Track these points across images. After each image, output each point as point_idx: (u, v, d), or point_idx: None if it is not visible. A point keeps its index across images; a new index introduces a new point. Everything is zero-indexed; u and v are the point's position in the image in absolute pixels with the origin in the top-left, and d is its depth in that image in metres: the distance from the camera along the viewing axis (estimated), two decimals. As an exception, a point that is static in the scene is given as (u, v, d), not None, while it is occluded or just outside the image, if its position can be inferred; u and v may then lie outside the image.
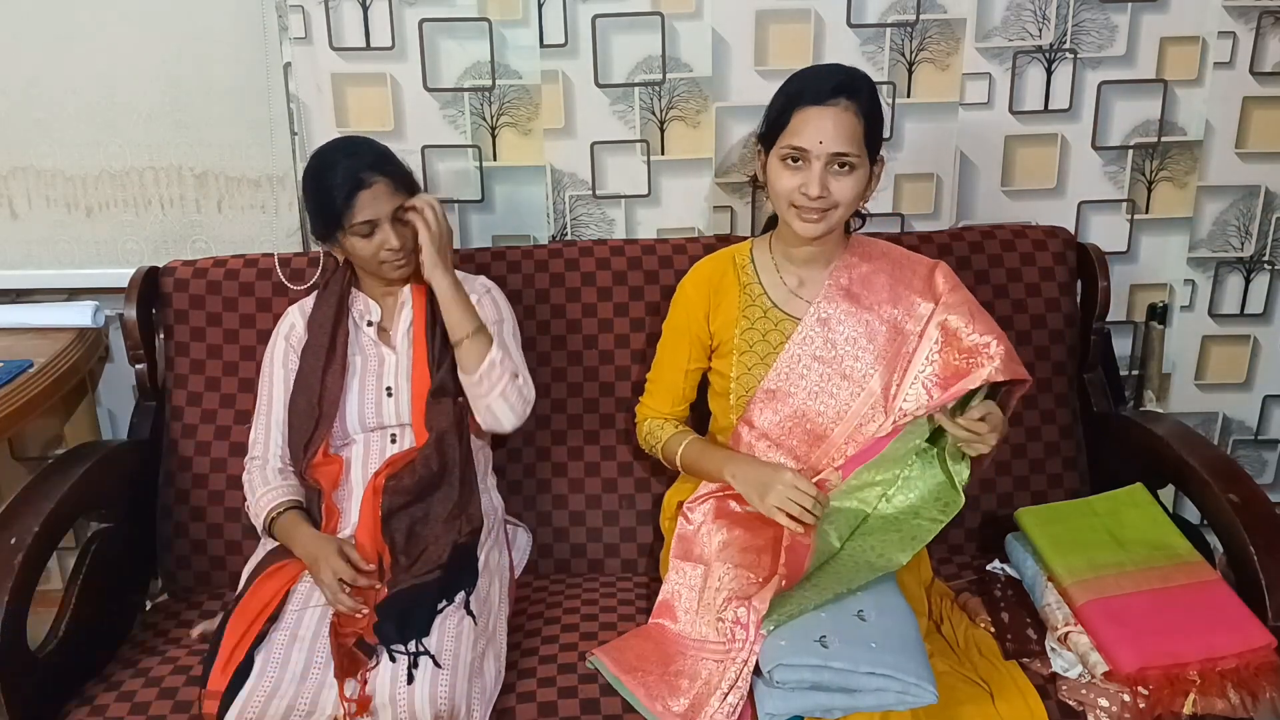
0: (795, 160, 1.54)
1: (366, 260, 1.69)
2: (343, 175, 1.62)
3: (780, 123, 1.56)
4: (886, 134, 2.03)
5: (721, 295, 1.68)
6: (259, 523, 1.70)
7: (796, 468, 1.61)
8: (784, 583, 1.46)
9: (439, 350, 1.72)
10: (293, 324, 1.79)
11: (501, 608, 1.67)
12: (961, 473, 1.56)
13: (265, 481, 1.71)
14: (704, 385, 1.79)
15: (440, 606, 1.54)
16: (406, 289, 1.77)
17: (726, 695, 1.41)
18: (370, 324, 1.76)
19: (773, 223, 1.72)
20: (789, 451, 1.64)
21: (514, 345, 1.77)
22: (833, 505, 1.58)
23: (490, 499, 1.79)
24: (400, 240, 1.66)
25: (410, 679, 1.44)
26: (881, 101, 1.58)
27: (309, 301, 1.81)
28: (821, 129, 1.51)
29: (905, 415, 1.54)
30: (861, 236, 1.70)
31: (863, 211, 1.70)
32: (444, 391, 1.70)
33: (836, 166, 1.52)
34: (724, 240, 1.99)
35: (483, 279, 1.85)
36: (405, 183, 1.69)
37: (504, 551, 1.77)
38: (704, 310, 1.69)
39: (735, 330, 1.66)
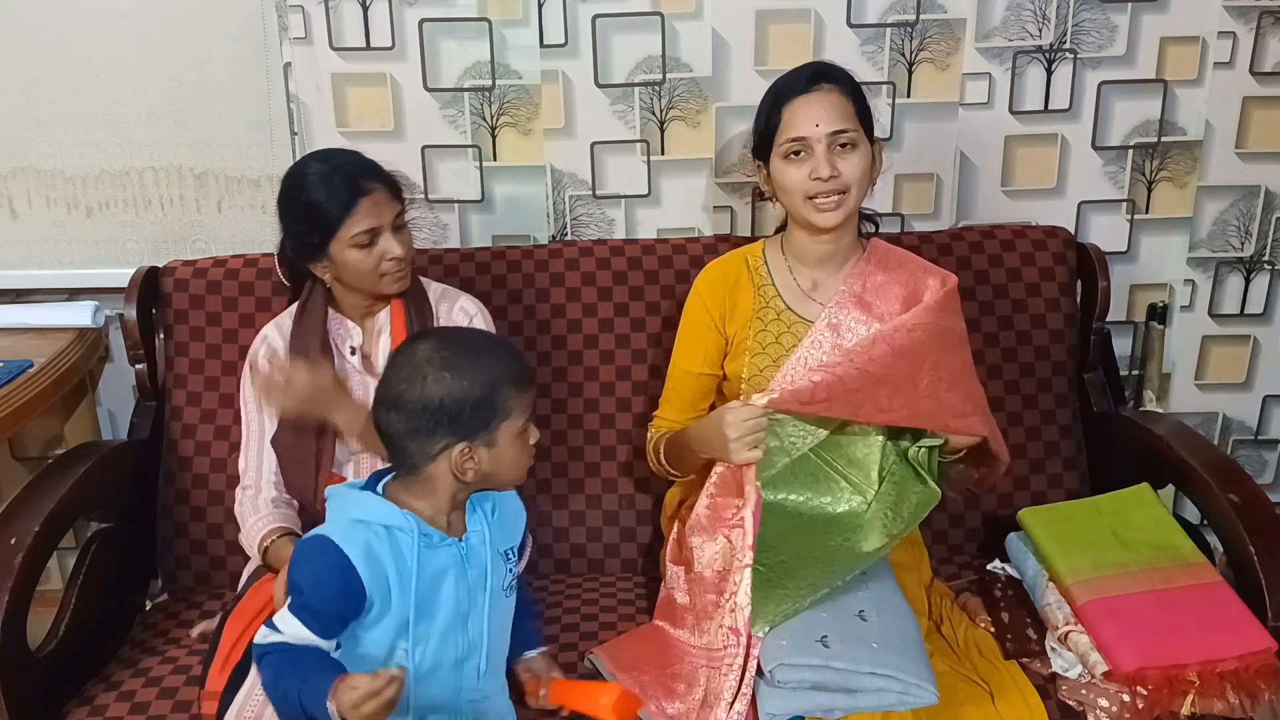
0: (798, 153, 1.55)
1: (364, 275, 1.60)
2: (340, 184, 1.56)
3: (772, 125, 1.58)
4: (886, 134, 2.04)
5: (737, 296, 1.68)
6: (252, 550, 1.63)
7: None
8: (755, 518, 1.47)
9: None
10: (275, 349, 1.68)
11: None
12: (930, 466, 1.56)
13: (256, 510, 1.64)
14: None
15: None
16: (385, 312, 1.68)
17: (732, 704, 1.40)
18: (354, 350, 1.68)
19: (783, 226, 1.72)
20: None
21: None
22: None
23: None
24: (403, 249, 1.60)
25: (411, 678, 1.43)
26: (862, 86, 1.60)
27: (285, 321, 1.71)
28: (813, 114, 1.54)
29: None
30: (880, 243, 1.69)
31: (873, 216, 1.72)
32: None
33: (839, 146, 1.54)
34: (724, 240, 1.99)
35: (465, 302, 1.74)
36: (400, 191, 1.63)
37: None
38: (720, 310, 1.68)
39: (749, 331, 1.66)
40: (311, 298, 1.69)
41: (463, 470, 1.27)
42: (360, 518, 1.26)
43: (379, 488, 1.31)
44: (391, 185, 1.61)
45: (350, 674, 1.18)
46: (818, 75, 1.56)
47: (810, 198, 1.55)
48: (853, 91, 1.57)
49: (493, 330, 1.74)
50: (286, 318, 1.72)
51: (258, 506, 1.65)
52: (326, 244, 1.58)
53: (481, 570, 1.32)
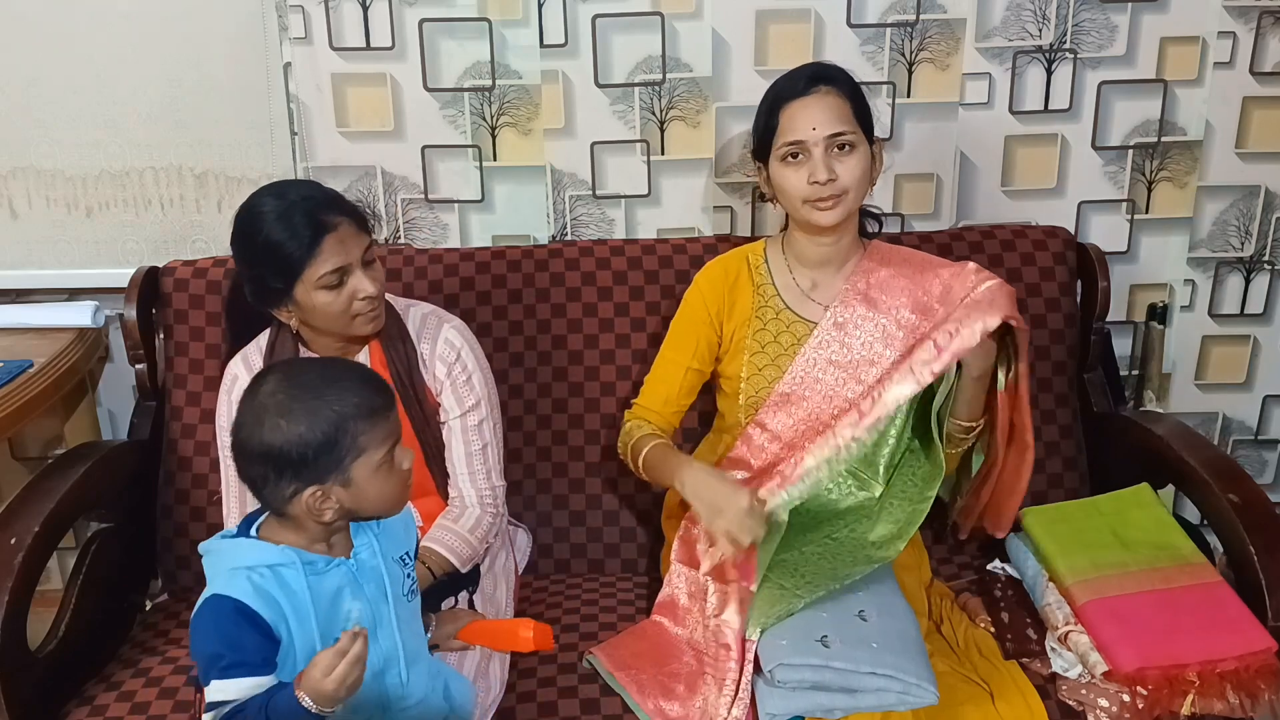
0: (796, 156, 1.55)
1: (334, 317, 1.48)
2: (301, 220, 1.42)
3: (770, 128, 1.58)
4: (886, 134, 2.04)
5: (736, 294, 1.68)
6: None
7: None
8: (748, 585, 1.47)
9: (420, 410, 1.58)
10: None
11: (507, 609, 1.67)
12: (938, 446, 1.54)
13: None
14: (710, 385, 1.77)
15: (445, 606, 1.54)
16: (364, 354, 1.58)
17: (730, 708, 1.41)
18: None
19: (786, 225, 1.72)
20: (801, 452, 1.61)
21: (478, 438, 1.61)
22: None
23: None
24: (376, 286, 1.48)
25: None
26: (861, 86, 1.61)
27: (254, 358, 1.61)
28: (811, 117, 1.54)
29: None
30: (881, 242, 1.69)
31: (876, 212, 1.72)
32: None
33: (837, 149, 1.54)
34: (724, 240, 1.99)
35: (450, 334, 1.62)
36: (365, 222, 1.51)
37: (510, 554, 1.77)
38: (718, 308, 1.68)
39: (748, 330, 1.66)
40: (280, 336, 1.57)
41: (319, 512, 1.19)
42: (238, 565, 1.19)
43: (253, 530, 1.24)
44: (357, 217, 1.49)
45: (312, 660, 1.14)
46: (815, 77, 1.56)
47: (808, 200, 1.56)
48: (851, 92, 1.57)
49: (479, 360, 1.65)
50: (256, 354, 1.61)
51: None
52: (290, 288, 1.45)
53: (378, 583, 1.26)
